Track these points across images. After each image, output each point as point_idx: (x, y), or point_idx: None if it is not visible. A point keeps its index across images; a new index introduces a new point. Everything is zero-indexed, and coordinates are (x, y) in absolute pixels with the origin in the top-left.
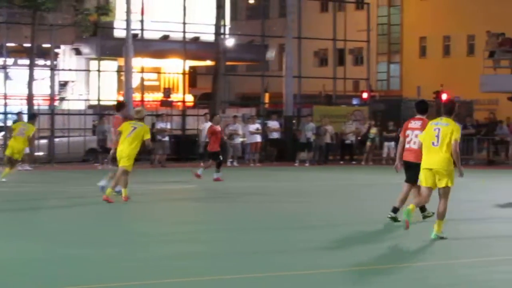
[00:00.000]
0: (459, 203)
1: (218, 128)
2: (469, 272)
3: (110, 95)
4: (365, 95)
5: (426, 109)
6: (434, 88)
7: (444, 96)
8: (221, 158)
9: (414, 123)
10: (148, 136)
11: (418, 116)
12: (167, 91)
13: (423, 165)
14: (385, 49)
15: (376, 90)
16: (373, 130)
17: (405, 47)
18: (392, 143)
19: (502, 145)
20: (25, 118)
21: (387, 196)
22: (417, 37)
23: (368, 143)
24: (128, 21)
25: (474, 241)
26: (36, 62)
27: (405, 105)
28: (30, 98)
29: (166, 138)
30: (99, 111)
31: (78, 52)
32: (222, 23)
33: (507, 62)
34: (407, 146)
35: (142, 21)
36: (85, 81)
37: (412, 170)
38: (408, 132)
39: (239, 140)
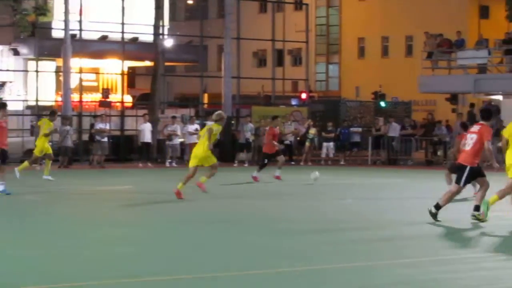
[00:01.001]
0: (400, 203)
1: (277, 130)
2: (408, 272)
3: (48, 96)
4: (303, 95)
5: (490, 116)
6: (373, 89)
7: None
8: (266, 162)
9: (474, 128)
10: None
11: (481, 122)
12: (106, 92)
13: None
14: (323, 50)
15: (315, 90)
16: (312, 131)
17: (343, 48)
18: (331, 144)
19: (440, 146)
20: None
21: (324, 195)
22: (355, 38)
23: (307, 144)
24: (66, 21)
25: (414, 241)
26: None
27: (344, 105)
28: None
29: (105, 139)
30: (37, 112)
31: (16, 52)
32: (160, 23)
33: (445, 63)
34: (462, 148)
35: (80, 22)
36: (23, 82)
37: (460, 171)
38: (468, 135)
39: (178, 140)
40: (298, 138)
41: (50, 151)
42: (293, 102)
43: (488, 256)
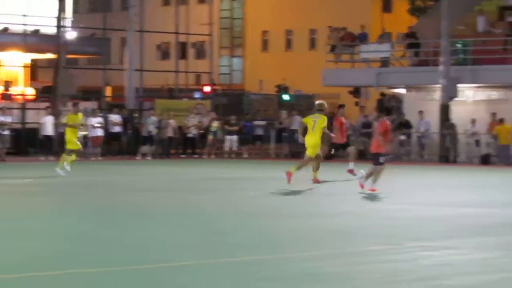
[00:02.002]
0: (303, 196)
1: (343, 119)
2: (308, 265)
3: None
4: (207, 88)
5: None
6: (277, 82)
7: None
8: (333, 152)
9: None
10: (324, 125)
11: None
12: (7, 84)
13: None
14: (227, 43)
15: (219, 83)
16: (215, 124)
17: (247, 41)
18: (234, 137)
19: None
20: None
21: (223, 188)
22: (259, 31)
23: (210, 137)
24: None
25: (316, 234)
26: None
27: (247, 98)
28: None
29: (6, 132)
30: None
31: None
32: (63, 15)
33: (348, 56)
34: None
35: None
36: None
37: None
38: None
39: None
40: (202, 131)
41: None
42: (197, 95)
43: (388, 248)
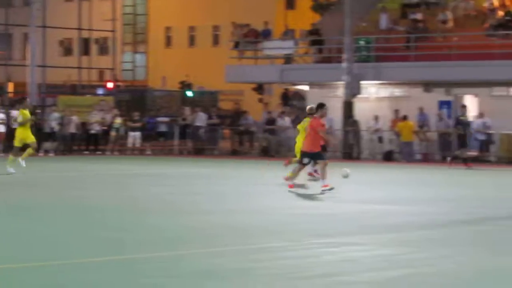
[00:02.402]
0: (210, 192)
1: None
2: (215, 262)
3: None
4: (110, 85)
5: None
6: (180, 78)
7: None
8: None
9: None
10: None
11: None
12: None
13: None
14: (130, 39)
15: (122, 80)
16: (118, 120)
17: (150, 37)
18: (137, 133)
19: (246, 135)
20: None
21: (123, 184)
22: (162, 27)
23: (113, 133)
24: None
25: (224, 230)
26: None
27: (151, 95)
28: None
29: None
30: None
31: None
32: None
33: (252, 53)
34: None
35: None
36: None
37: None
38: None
39: None
40: (105, 128)
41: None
42: (100, 91)
43: (290, 245)
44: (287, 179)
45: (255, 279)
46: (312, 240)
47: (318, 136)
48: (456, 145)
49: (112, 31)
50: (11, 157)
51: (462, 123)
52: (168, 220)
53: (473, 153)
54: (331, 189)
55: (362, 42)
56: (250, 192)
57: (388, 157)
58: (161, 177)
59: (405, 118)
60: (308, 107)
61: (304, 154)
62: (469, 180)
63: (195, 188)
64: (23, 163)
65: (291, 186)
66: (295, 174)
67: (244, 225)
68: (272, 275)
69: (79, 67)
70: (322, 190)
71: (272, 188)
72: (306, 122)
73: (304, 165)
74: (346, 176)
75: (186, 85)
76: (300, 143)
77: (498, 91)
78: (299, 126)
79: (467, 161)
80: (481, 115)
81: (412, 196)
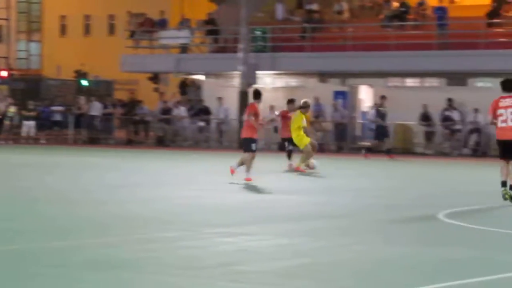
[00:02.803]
0: (104, 182)
1: (291, 114)
2: (108, 252)
3: None
4: (4, 73)
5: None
6: (75, 67)
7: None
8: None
9: (505, 102)
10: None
11: (507, 94)
12: None
13: None
14: (25, 27)
15: (16, 68)
16: (12, 109)
17: (45, 26)
18: (32, 122)
19: (142, 125)
20: None
21: (16, 174)
22: (57, 16)
23: (7, 122)
24: None
25: (118, 220)
26: None
27: (45, 84)
28: None
29: None
30: None
31: None
32: None
33: (147, 42)
34: (503, 125)
35: None
36: None
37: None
38: (501, 111)
39: None
40: None
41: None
42: None
43: (186, 234)
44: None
45: (148, 269)
46: (209, 230)
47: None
48: (372, 136)
49: (6, 19)
50: None
51: (380, 114)
52: (60, 209)
53: (369, 143)
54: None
55: (258, 32)
56: (145, 182)
57: (282, 147)
58: (54, 167)
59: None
60: (303, 100)
61: (247, 140)
62: (365, 171)
63: (88, 178)
64: None
65: (248, 179)
66: (247, 164)
67: (138, 215)
68: (167, 265)
69: None
70: (242, 180)
71: (168, 178)
72: (298, 115)
73: (254, 152)
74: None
75: (81, 74)
76: (295, 136)
77: (393, 81)
78: (293, 119)
79: (390, 153)
80: (375, 105)
81: (313, 186)
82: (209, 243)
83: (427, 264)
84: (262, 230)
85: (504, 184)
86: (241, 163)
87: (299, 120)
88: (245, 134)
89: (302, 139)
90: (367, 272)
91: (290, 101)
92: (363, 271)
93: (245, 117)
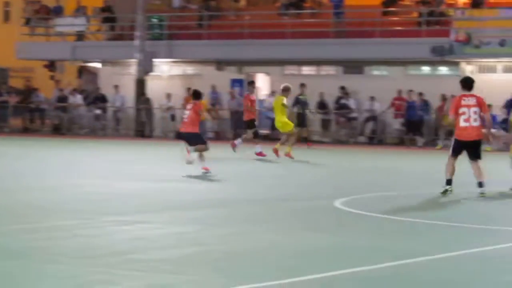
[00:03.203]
0: (10, 170)
1: (254, 97)
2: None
3: None
4: None
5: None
6: None
7: None
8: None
9: (468, 100)
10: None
11: (467, 92)
12: None
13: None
14: None
15: None
16: None
17: None
18: None
19: (37, 113)
20: None
21: None
22: None
23: None
24: None
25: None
26: None
27: None
28: None
29: None
30: None
31: None
32: None
33: (43, 29)
34: (465, 124)
35: None
36: None
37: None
38: (464, 109)
39: None
40: None
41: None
42: None
43: (84, 223)
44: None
45: (44, 258)
46: (105, 218)
47: (197, 117)
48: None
49: None
50: None
51: (301, 102)
52: None
53: (265, 131)
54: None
55: (154, 20)
56: (41, 170)
57: (180, 135)
58: None
59: None
60: (282, 85)
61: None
62: (261, 159)
63: None
64: None
65: (206, 168)
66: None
67: (33, 203)
68: (62, 254)
69: None
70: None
71: (63, 167)
72: (279, 99)
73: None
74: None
75: None
76: (278, 120)
77: (290, 69)
78: (274, 103)
79: (308, 140)
80: (273, 93)
81: (203, 174)
82: (105, 231)
83: (322, 251)
84: (159, 219)
85: (449, 182)
86: (200, 155)
87: (279, 104)
88: (190, 129)
89: (286, 124)
90: (263, 259)
91: (251, 83)
92: (259, 259)
93: (186, 112)
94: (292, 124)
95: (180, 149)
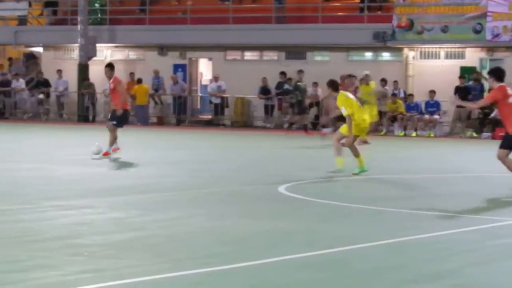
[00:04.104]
0: None
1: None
2: None
3: None
4: None
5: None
6: None
7: None
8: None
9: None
10: None
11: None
12: None
13: None
14: None
15: None
16: None
17: None
18: None
19: None
20: None
21: None
22: None
23: None
24: None
25: None
26: None
27: None
28: None
29: None
30: None
31: None
32: None
33: None
34: None
35: None
36: None
37: None
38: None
39: None
40: None
41: None
42: None
43: (23, 208)
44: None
45: None
46: (46, 203)
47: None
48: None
49: None
50: None
51: (299, 89)
52: None
53: (207, 116)
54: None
55: (96, 5)
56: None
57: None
58: None
59: (140, 81)
60: (364, 73)
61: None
62: (203, 144)
63: None
64: None
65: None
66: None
67: None
68: (5, 239)
69: None
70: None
71: (4, 151)
72: (368, 88)
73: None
74: (98, 153)
75: None
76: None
77: (232, 55)
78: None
79: (307, 128)
80: (216, 78)
81: (142, 159)
82: (47, 216)
83: (265, 237)
84: (99, 203)
85: None
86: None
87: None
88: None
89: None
90: (201, 245)
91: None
92: (198, 245)
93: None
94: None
95: (124, 134)
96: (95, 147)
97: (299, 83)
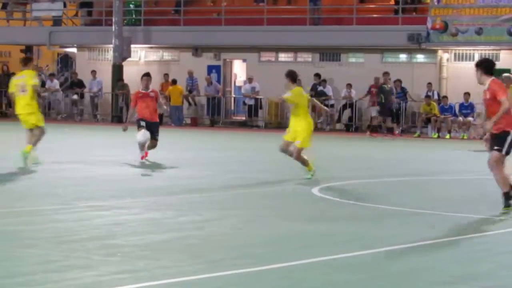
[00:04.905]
0: None
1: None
2: None
3: None
4: None
5: None
6: None
7: None
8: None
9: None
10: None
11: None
12: None
13: None
14: None
15: None
16: None
17: None
18: None
19: None
20: None
21: None
22: None
23: None
24: None
25: None
26: None
27: None
28: None
29: None
30: None
31: None
32: None
33: (20, 14)
34: None
35: None
36: None
37: None
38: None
39: None
40: None
41: None
42: None
43: (61, 208)
44: None
45: (27, 242)
46: (82, 203)
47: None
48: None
49: None
50: None
51: (384, 91)
52: None
53: (241, 118)
54: None
55: (131, 6)
56: (13, 154)
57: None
58: None
59: (174, 82)
60: (504, 74)
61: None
62: (245, 146)
63: None
64: None
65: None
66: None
67: (8, 187)
68: (40, 239)
69: None
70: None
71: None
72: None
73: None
74: (144, 142)
75: None
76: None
77: (266, 56)
78: None
79: (373, 130)
80: (250, 80)
81: (176, 160)
82: (82, 216)
83: (300, 238)
84: (135, 204)
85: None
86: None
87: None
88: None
89: None
90: (237, 246)
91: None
92: (233, 246)
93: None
94: None
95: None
96: (142, 135)
97: (384, 85)
